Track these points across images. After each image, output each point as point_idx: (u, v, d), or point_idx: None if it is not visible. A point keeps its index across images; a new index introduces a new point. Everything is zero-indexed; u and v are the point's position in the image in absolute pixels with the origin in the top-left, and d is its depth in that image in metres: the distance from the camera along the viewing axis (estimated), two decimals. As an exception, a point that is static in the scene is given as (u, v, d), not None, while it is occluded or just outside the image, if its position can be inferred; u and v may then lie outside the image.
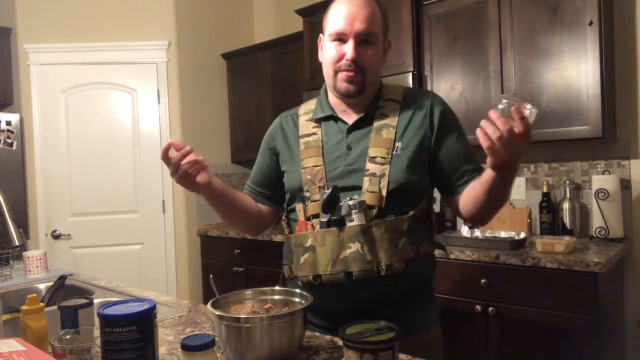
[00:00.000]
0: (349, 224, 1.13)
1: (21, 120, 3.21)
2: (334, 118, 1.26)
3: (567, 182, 2.47)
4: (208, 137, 3.68)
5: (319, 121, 1.28)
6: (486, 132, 0.95)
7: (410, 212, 1.16)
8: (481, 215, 1.20)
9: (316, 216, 1.17)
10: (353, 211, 1.12)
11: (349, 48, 1.16)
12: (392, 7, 2.68)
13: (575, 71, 2.18)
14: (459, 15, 2.51)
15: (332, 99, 1.27)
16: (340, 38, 1.18)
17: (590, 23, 2.12)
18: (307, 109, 1.34)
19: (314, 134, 1.26)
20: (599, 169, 2.44)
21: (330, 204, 1.14)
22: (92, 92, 3.36)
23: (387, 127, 1.20)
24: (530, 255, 2.04)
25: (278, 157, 1.33)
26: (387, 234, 1.12)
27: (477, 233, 2.47)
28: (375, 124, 1.22)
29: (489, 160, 1.01)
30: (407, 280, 1.16)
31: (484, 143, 0.96)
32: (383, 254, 1.12)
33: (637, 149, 2.34)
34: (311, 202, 1.19)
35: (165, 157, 1.12)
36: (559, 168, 2.57)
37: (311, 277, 1.16)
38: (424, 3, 2.62)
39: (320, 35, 1.27)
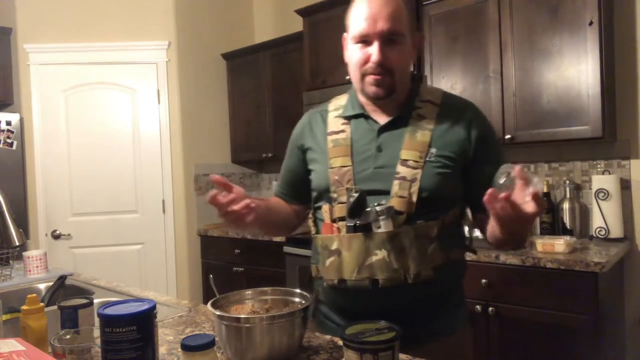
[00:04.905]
0: (376, 231, 1.08)
1: (21, 120, 3.21)
2: (365, 116, 1.20)
3: (567, 182, 2.47)
4: (208, 137, 3.68)
5: (348, 118, 1.22)
6: (495, 206, 0.90)
7: (440, 218, 1.11)
8: (505, 248, 1.18)
9: (343, 218, 1.12)
10: (380, 217, 1.07)
11: (374, 50, 1.10)
12: (392, 7, 2.68)
13: (575, 71, 2.18)
14: (459, 15, 2.51)
15: (362, 98, 1.22)
16: (364, 40, 1.12)
17: (590, 23, 2.12)
18: (337, 105, 1.28)
19: (343, 131, 1.20)
20: (599, 169, 2.44)
21: (357, 210, 1.09)
22: (92, 92, 3.36)
23: (422, 130, 1.14)
24: (530, 255, 2.04)
25: (306, 155, 1.28)
26: (416, 241, 1.08)
27: (477, 233, 2.45)
28: (411, 125, 1.15)
29: (494, 223, 0.98)
30: (436, 287, 1.12)
31: (494, 215, 0.92)
32: (411, 262, 1.07)
33: (637, 149, 2.34)
34: (338, 204, 1.14)
35: (215, 200, 1.04)
36: (559, 168, 2.56)
37: (336, 281, 1.13)
38: (424, 3, 2.61)
39: (345, 34, 1.21)
